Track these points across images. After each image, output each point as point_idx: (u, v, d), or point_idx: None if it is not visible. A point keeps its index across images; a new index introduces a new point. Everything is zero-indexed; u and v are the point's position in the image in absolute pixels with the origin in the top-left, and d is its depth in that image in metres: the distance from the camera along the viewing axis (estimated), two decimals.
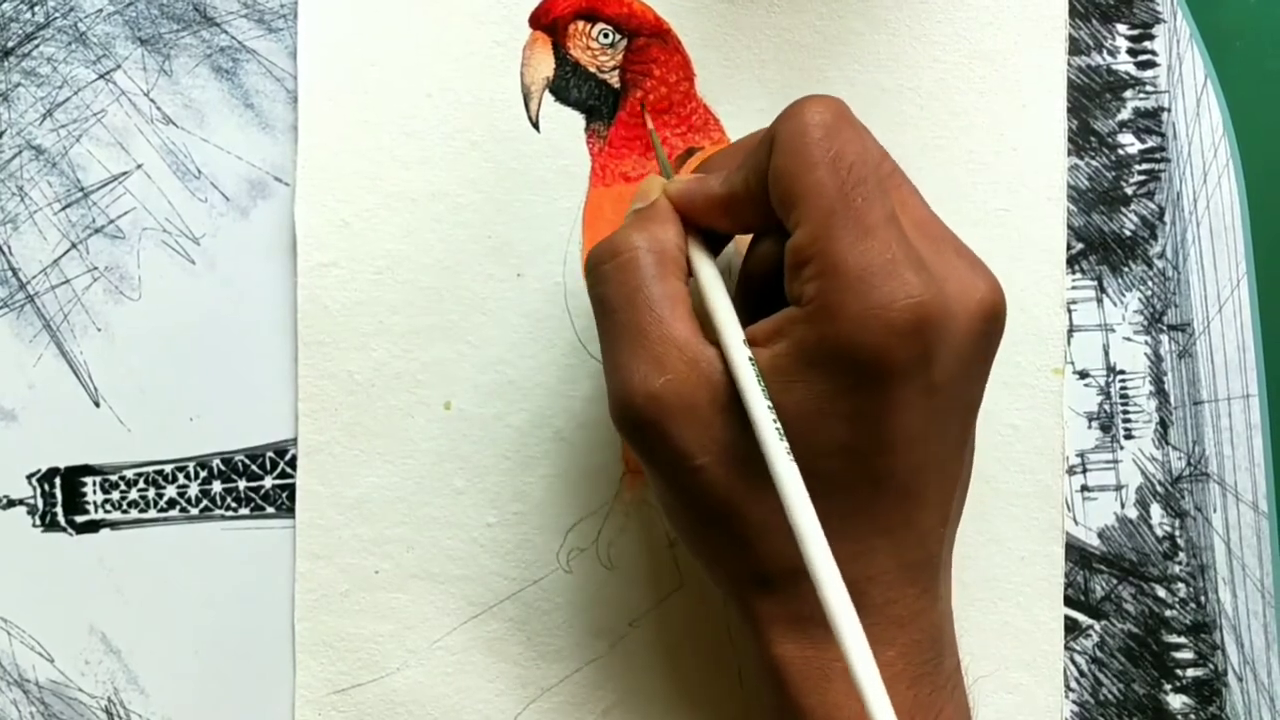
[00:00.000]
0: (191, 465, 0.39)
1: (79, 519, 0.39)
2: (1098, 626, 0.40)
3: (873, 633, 0.28)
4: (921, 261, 0.29)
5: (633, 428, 0.31)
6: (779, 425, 0.29)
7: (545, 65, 0.39)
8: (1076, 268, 0.40)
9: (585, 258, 0.39)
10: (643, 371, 0.30)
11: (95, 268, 0.39)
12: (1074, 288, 0.40)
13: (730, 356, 0.30)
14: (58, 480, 0.39)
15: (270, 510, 0.39)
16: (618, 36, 0.39)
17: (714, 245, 0.34)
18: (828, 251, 0.29)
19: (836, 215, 0.29)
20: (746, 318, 0.31)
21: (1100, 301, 0.41)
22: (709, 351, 0.31)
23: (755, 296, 0.33)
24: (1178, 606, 0.40)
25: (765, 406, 0.29)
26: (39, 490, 0.39)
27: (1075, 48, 0.40)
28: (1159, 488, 0.41)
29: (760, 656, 0.32)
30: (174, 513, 0.39)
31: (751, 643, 0.32)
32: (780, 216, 0.31)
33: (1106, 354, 0.41)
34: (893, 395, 0.29)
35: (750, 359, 0.30)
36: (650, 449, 0.31)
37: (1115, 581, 0.40)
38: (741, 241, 0.35)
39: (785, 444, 0.29)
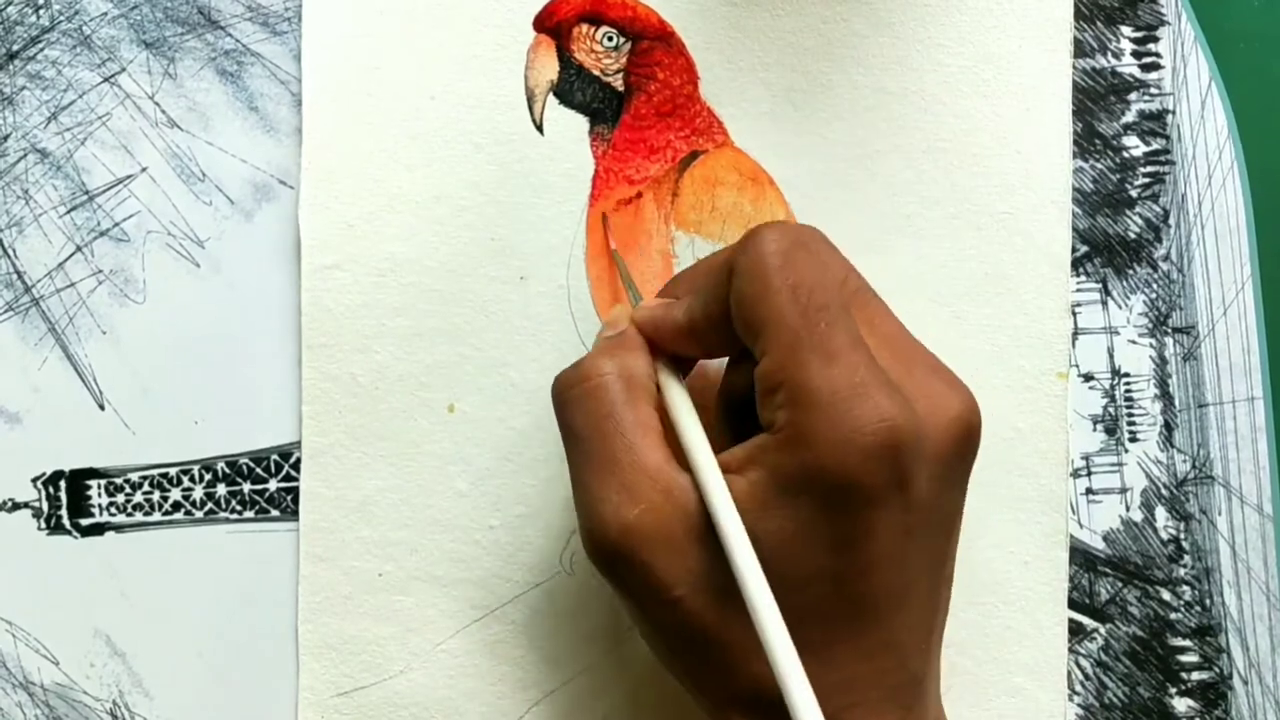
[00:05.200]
0: (196, 468, 0.39)
1: (84, 522, 0.39)
2: (1102, 630, 0.40)
3: None
4: (891, 382, 0.29)
5: (607, 560, 0.30)
6: (754, 555, 0.28)
7: (549, 68, 0.39)
8: (1081, 270, 0.40)
9: (588, 263, 0.39)
10: (615, 502, 0.30)
11: (100, 271, 0.39)
12: (1078, 290, 0.40)
13: (704, 486, 0.30)
14: (63, 483, 0.39)
15: (274, 513, 0.39)
16: (622, 39, 0.39)
17: (685, 367, 0.34)
18: (795, 378, 0.28)
19: (801, 342, 0.29)
20: (728, 438, 0.31)
21: (1105, 304, 0.40)
22: (682, 479, 0.30)
23: (736, 417, 0.32)
24: (1183, 610, 0.40)
25: (741, 537, 0.28)
26: (44, 493, 0.39)
27: (1080, 50, 0.40)
28: (1164, 491, 0.40)
29: None
30: (179, 516, 0.39)
31: None
32: (746, 344, 0.30)
33: (1111, 357, 0.40)
34: (870, 519, 0.28)
35: (724, 487, 0.29)
36: (625, 581, 0.30)
37: (1120, 585, 0.40)
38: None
39: (761, 575, 0.28)
